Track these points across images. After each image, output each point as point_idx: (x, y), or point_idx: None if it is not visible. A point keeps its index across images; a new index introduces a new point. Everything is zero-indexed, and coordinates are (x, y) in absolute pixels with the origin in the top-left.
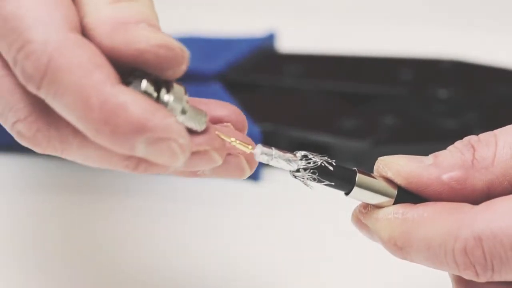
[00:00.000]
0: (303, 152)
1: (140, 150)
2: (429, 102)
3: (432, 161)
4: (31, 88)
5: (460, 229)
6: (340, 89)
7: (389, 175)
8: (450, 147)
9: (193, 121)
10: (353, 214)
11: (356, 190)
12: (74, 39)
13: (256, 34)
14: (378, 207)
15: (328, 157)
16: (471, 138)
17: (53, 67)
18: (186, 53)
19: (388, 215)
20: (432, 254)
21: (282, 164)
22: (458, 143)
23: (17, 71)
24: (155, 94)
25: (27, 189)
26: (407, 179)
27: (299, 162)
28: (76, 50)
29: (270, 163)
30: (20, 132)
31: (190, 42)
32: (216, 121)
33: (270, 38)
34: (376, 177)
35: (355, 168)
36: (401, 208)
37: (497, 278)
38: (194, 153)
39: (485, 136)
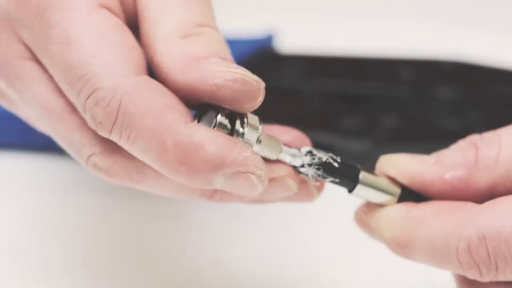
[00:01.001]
0: (308, 148)
1: (218, 184)
2: (430, 102)
3: (434, 160)
4: (102, 133)
5: (463, 227)
6: (341, 89)
7: (392, 173)
8: (453, 146)
9: (268, 149)
10: (355, 213)
11: (359, 187)
12: (142, 82)
13: (255, 34)
14: (381, 206)
15: (333, 154)
16: (474, 137)
17: (123, 113)
18: (262, 84)
19: (391, 214)
20: (435, 253)
21: (287, 159)
22: (461, 142)
23: (87, 117)
24: (229, 126)
25: (27, 188)
26: (410, 178)
27: (304, 157)
28: (145, 93)
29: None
30: (96, 165)
31: None
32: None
33: (269, 39)
34: (379, 176)
35: (359, 166)
36: (404, 207)
37: (501, 277)
38: (270, 181)
39: (489, 135)
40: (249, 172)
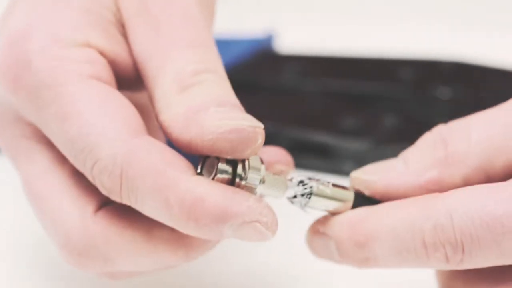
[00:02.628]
0: (299, 178)
1: (228, 234)
2: (430, 102)
3: (403, 165)
4: (115, 199)
5: (430, 208)
6: (340, 89)
7: (367, 193)
8: (420, 143)
9: (273, 189)
10: (308, 230)
11: (313, 199)
12: (139, 144)
13: (255, 34)
14: (336, 213)
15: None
16: (442, 130)
17: (126, 178)
18: (258, 128)
19: (349, 214)
20: (399, 243)
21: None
22: (428, 137)
23: (98, 185)
24: (231, 171)
25: None
26: (386, 194)
27: (296, 188)
28: (143, 155)
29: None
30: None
31: None
32: (269, 165)
33: (269, 39)
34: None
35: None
36: (363, 207)
37: (467, 262)
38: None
39: (457, 126)
40: (255, 221)
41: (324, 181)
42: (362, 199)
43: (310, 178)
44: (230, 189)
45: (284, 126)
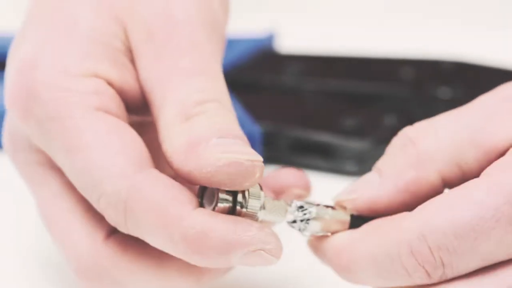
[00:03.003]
0: (299, 203)
1: (235, 263)
2: (431, 101)
3: (378, 175)
4: (122, 230)
5: (402, 233)
6: (341, 88)
7: (351, 212)
8: (389, 150)
9: (274, 214)
10: (309, 243)
11: (311, 223)
12: (142, 179)
13: (256, 34)
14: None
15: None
16: (408, 132)
17: (130, 213)
18: (257, 162)
19: (334, 241)
20: (380, 268)
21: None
22: (396, 142)
23: (106, 217)
24: (230, 199)
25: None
26: (370, 209)
27: (296, 213)
28: (145, 190)
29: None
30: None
31: None
32: (285, 188)
33: (269, 39)
34: (328, 207)
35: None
36: (346, 233)
37: (449, 273)
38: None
39: (422, 126)
40: (259, 250)
41: (323, 205)
42: (358, 220)
43: (309, 203)
44: (232, 219)
45: (284, 126)
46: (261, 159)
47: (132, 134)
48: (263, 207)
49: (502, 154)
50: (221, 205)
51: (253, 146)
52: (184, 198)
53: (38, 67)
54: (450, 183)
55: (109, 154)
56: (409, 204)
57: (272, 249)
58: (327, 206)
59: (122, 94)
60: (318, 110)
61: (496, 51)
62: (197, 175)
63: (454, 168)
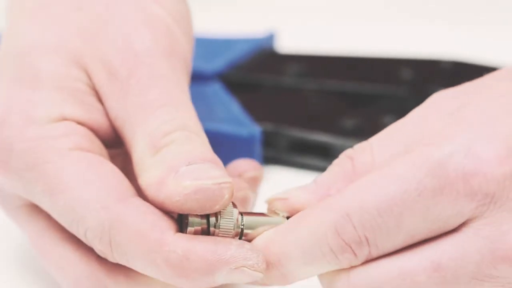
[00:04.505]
0: (286, 213)
1: (221, 281)
2: None
3: (313, 184)
4: (111, 260)
5: (327, 214)
6: (341, 89)
7: (285, 215)
8: (329, 167)
9: (256, 229)
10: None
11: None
12: (123, 209)
13: (256, 34)
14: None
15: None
16: (347, 151)
17: (114, 242)
18: (224, 184)
19: (258, 239)
20: (309, 254)
21: None
22: (335, 161)
23: (94, 249)
24: (204, 221)
25: None
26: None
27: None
28: (126, 220)
29: None
30: None
31: None
32: (241, 174)
33: (269, 38)
34: (259, 215)
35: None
36: (275, 228)
37: (374, 251)
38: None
39: (360, 145)
40: (241, 267)
41: (258, 213)
42: None
43: (246, 213)
44: (212, 240)
45: (284, 126)
46: (229, 180)
47: (109, 166)
48: (239, 225)
49: None
50: (191, 228)
51: (252, 146)
52: (164, 224)
53: (7, 123)
54: None
55: (89, 189)
56: None
57: (254, 265)
58: (261, 214)
59: (93, 132)
60: (318, 110)
61: (495, 51)
62: (169, 205)
63: None
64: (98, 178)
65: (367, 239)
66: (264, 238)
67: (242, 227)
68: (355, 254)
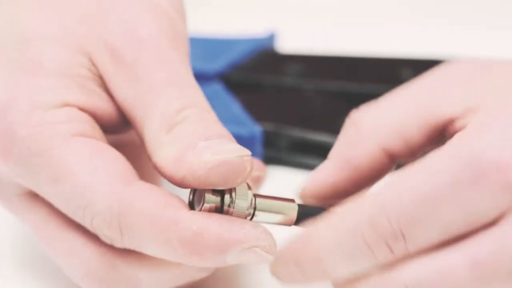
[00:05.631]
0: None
1: (231, 261)
2: None
3: (327, 161)
4: (119, 245)
5: (363, 208)
6: (341, 89)
7: (313, 202)
8: (338, 137)
9: (268, 214)
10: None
11: (258, 214)
12: (132, 192)
13: (256, 34)
14: (281, 225)
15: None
16: (352, 115)
17: (125, 226)
18: (246, 157)
19: (298, 235)
20: (347, 250)
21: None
22: (343, 128)
23: (101, 237)
24: (218, 200)
25: None
26: (319, 193)
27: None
28: (137, 202)
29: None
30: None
31: (190, 42)
32: None
33: (270, 38)
34: (271, 197)
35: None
36: (311, 223)
37: (411, 246)
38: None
39: (366, 106)
40: (254, 247)
41: (270, 196)
42: (306, 208)
43: (257, 195)
44: (226, 218)
45: (284, 126)
46: (249, 152)
47: (113, 152)
48: (253, 208)
49: (447, 125)
50: (207, 205)
51: (253, 146)
52: (175, 203)
53: (11, 108)
54: (398, 157)
55: (96, 174)
56: (361, 184)
57: (267, 246)
58: (274, 197)
59: (96, 117)
60: (318, 110)
61: (495, 51)
62: (191, 181)
63: (398, 142)
64: (104, 163)
65: (402, 233)
66: (303, 233)
67: (254, 208)
68: (390, 249)
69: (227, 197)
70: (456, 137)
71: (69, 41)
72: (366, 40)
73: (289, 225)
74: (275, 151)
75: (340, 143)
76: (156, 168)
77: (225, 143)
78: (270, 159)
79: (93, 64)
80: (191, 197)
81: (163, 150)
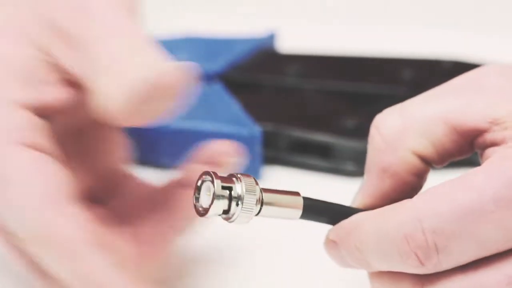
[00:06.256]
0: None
1: None
2: None
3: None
4: (35, 260)
5: (399, 216)
6: (341, 88)
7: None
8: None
9: (278, 210)
10: (325, 242)
11: (265, 208)
12: (54, 216)
13: (256, 34)
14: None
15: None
16: (374, 121)
17: (40, 246)
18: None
19: (347, 221)
20: (382, 251)
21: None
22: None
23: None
24: (227, 195)
25: None
26: (366, 205)
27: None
28: (57, 228)
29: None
30: None
31: (190, 42)
32: (218, 157)
33: (270, 38)
34: (277, 192)
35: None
36: (360, 214)
37: (444, 261)
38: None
39: (388, 110)
40: None
41: (275, 189)
42: (311, 201)
43: (263, 189)
44: (128, 277)
45: (285, 126)
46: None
47: (54, 168)
48: (260, 203)
49: (476, 136)
50: (217, 201)
51: (253, 146)
52: (90, 239)
53: None
54: (430, 160)
55: (27, 190)
56: (402, 190)
57: None
58: (280, 191)
59: (48, 110)
60: (318, 110)
61: (495, 51)
62: (135, 101)
63: (426, 144)
64: (39, 179)
65: (436, 246)
66: (352, 221)
67: (262, 203)
68: (420, 262)
69: (235, 193)
70: (498, 155)
71: (12, 30)
72: (367, 40)
73: (295, 218)
74: (275, 151)
75: (370, 153)
76: (107, 111)
77: (156, 53)
78: (270, 159)
79: (41, 49)
80: (195, 191)
81: (106, 84)
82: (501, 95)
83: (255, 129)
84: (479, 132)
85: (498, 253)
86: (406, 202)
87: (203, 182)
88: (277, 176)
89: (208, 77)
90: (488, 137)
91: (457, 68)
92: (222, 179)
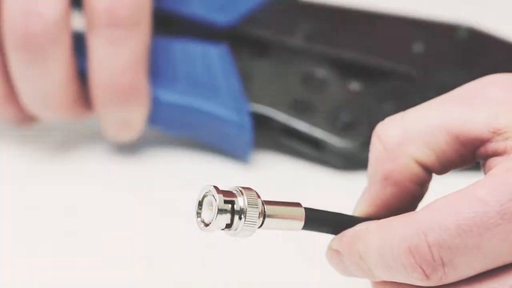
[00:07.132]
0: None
1: None
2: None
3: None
4: None
5: (404, 230)
6: (346, 59)
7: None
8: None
9: (280, 221)
10: (327, 250)
11: (268, 221)
12: None
13: None
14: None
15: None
16: (375, 129)
17: None
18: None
19: (351, 230)
20: (385, 262)
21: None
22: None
23: None
24: (229, 209)
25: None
26: (368, 213)
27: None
28: None
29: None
30: None
31: None
32: None
33: None
34: (278, 204)
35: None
36: (365, 223)
37: (450, 274)
38: None
39: (389, 118)
40: None
41: (276, 201)
42: (313, 212)
43: (265, 201)
44: None
45: (276, 111)
46: None
47: None
48: (263, 215)
49: (478, 146)
50: (220, 216)
51: (243, 129)
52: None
53: None
54: (432, 169)
55: None
56: (404, 198)
57: None
58: (281, 203)
59: None
60: (317, 94)
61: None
62: None
63: (428, 152)
64: None
65: (441, 260)
66: (356, 230)
67: (264, 216)
68: (426, 275)
69: (237, 207)
70: (501, 166)
71: None
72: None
73: (297, 229)
74: (266, 135)
75: (372, 161)
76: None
77: None
78: (261, 144)
79: None
80: (197, 205)
81: None
82: (503, 106)
83: (246, 117)
84: (481, 142)
85: (504, 265)
86: (410, 215)
87: (204, 196)
88: (268, 162)
89: (217, 32)
90: (490, 147)
91: (473, 40)
92: (224, 193)
